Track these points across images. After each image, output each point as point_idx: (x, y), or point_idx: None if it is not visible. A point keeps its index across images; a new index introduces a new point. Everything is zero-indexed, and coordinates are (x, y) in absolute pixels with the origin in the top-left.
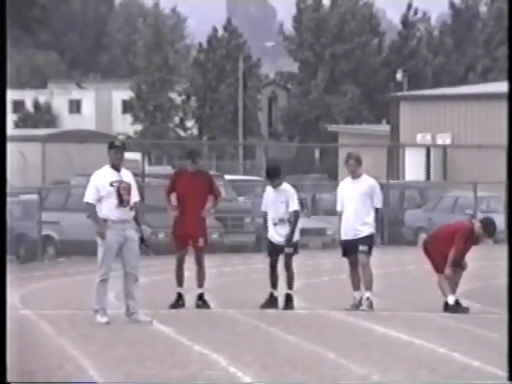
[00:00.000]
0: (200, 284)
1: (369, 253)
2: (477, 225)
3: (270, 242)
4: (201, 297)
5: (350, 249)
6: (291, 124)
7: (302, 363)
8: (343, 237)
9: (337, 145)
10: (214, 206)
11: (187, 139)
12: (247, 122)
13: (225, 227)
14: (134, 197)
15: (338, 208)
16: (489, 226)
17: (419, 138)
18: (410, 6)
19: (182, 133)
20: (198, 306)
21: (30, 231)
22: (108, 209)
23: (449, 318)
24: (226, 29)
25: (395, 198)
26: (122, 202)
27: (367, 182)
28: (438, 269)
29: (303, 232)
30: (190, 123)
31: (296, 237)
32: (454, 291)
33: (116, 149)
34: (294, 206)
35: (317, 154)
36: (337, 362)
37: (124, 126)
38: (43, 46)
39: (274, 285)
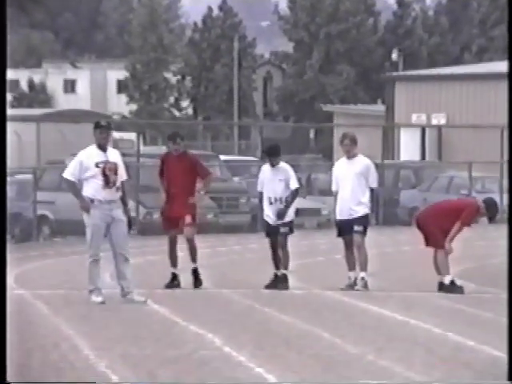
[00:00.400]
0: (192, 259)
1: (364, 233)
2: (481, 205)
3: (267, 223)
4: (195, 271)
5: (344, 229)
6: (286, 104)
7: (297, 343)
8: (338, 217)
9: (332, 125)
10: (204, 186)
11: (182, 119)
12: (242, 102)
13: (220, 207)
14: (121, 177)
15: (334, 188)
16: (492, 206)
17: (414, 118)
18: None
19: (176, 113)
20: (195, 283)
21: (25, 211)
22: (94, 189)
23: (444, 297)
24: (221, 8)
25: (390, 178)
26: (108, 182)
27: (362, 161)
28: (438, 244)
29: (298, 212)
30: (184, 103)
31: (291, 216)
32: (449, 271)
33: (101, 128)
34: (295, 183)
35: (312, 134)
36: (332, 342)
37: (119, 105)
38: (38, 25)
39: (277, 265)
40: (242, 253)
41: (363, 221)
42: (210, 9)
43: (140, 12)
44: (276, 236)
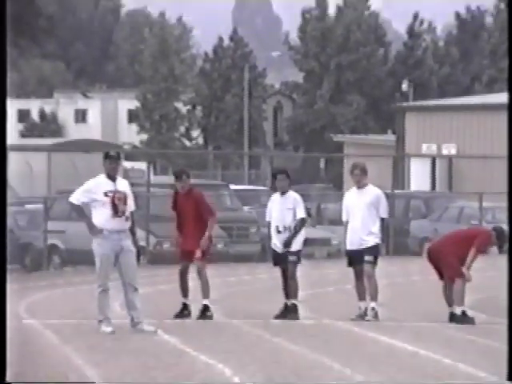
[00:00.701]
0: (203, 295)
1: (374, 263)
2: (493, 233)
3: (274, 252)
4: (205, 308)
5: (355, 259)
6: (296, 134)
7: (307, 373)
8: (349, 247)
9: (342, 155)
10: (208, 232)
11: (193, 149)
12: (252, 132)
13: (230, 237)
14: (130, 207)
15: (344, 218)
16: (501, 234)
17: (425, 148)
18: (416, 17)
19: (187, 142)
20: (200, 316)
21: (36, 240)
22: (104, 218)
23: (454, 328)
24: (231, 38)
25: (400, 208)
26: (117, 211)
27: (372, 191)
28: (457, 273)
29: (308, 241)
30: (195, 133)
31: (299, 245)
32: (463, 302)
33: (111, 159)
34: (301, 213)
35: (322, 164)
36: (342, 373)
37: (129, 135)
38: (50, 55)
39: (287, 295)
40: (251, 282)
41: (374, 251)
42: (220, 39)
43: (151, 42)
44: (285, 265)
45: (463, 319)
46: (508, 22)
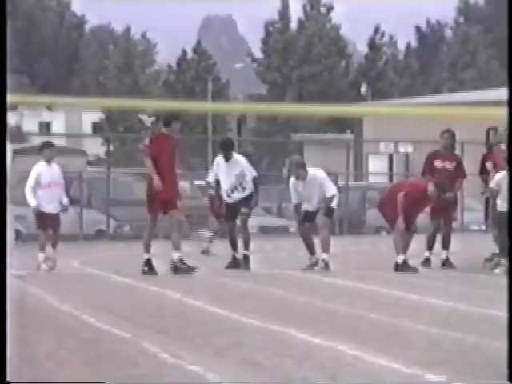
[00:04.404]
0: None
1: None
2: (430, 185)
3: (227, 206)
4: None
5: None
6: (260, 145)
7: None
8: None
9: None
10: None
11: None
12: (216, 143)
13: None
14: None
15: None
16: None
17: (382, 146)
18: (376, 30)
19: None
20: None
21: None
22: None
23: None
24: (195, 51)
25: (357, 199)
26: None
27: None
28: (391, 224)
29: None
30: None
31: (253, 202)
32: (404, 251)
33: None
34: (252, 173)
35: (285, 171)
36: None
37: (94, 147)
38: (14, 71)
39: (234, 246)
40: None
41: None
42: (184, 51)
43: (116, 55)
44: (235, 219)
45: (403, 267)
46: (508, 19)
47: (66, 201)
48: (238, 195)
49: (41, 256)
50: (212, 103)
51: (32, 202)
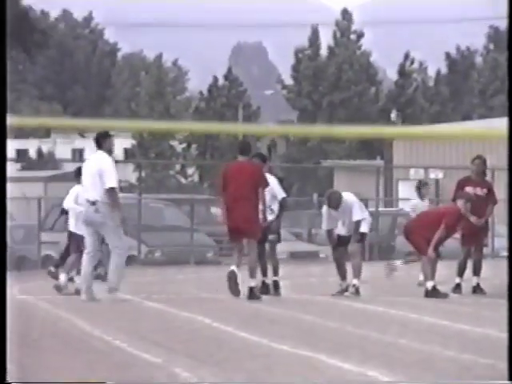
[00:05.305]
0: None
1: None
2: (459, 201)
3: None
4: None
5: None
6: (290, 171)
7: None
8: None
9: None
10: None
11: (188, 186)
12: None
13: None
14: None
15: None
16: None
17: (412, 172)
18: (406, 57)
19: (183, 180)
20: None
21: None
22: None
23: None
24: (226, 78)
25: (387, 225)
26: None
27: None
28: (421, 251)
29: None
30: (190, 170)
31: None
32: (433, 277)
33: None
34: (281, 193)
35: (315, 197)
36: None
37: (125, 173)
38: (47, 98)
39: (264, 272)
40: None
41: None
42: (215, 78)
43: (147, 82)
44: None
45: (433, 293)
46: (508, 38)
47: None
48: (269, 217)
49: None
50: (243, 125)
51: (73, 207)
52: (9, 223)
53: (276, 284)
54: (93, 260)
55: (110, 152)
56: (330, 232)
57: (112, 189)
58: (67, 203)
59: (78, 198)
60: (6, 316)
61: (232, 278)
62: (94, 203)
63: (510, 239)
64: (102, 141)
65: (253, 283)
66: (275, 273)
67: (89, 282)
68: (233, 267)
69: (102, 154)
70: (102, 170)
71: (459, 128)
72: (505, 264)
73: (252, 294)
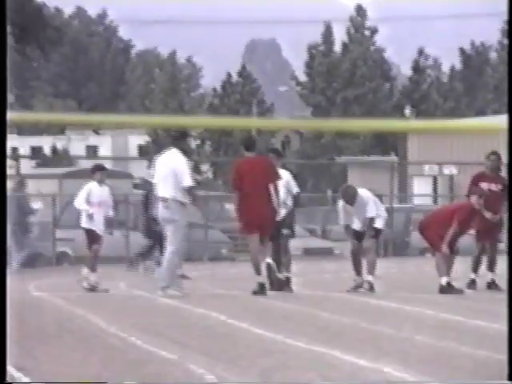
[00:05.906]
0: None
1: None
2: (473, 197)
3: None
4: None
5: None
6: (304, 167)
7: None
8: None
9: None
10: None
11: (202, 183)
12: None
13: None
14: None
15: (342, 222)
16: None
17: (426, 168)
18: (421, 52)
19: (197, 176)
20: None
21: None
22: None
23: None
24: (240, 74)
25: (401, 221)
26: None
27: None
28: (435, 247)
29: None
30: (204, 167)
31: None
32: (448, 273)
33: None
34: (295, 188)
35: (329, 193)
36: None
37: (140, 169)
38: (62, 95)
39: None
40: None
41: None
42: (229, 75)
43: (162, 79)
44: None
45: (447, 289)
46: (508, 34)
47: (112, 222)
48: (282, 211)
49: (91, 275)
50: (257, 120)
51: (85, 208)
52: (32, 219)
53: (288, 280)
54: (178, 257)
55: (184, 151)
56: (347, 227)
57: (190, 187)
58: (78, 203)
59: (89, 196)
60: (5, 316)
61: (271, 270)
62: (165, 200)
63: (510, 239)
64: (178, 140)
65: (260, 279)
66: (287, 269)
67: (173, 279)
68: (268, 260)
69: (175, 154)
70: (176, 170)
71: (473, 122)
72: None
73: (259, 290)
